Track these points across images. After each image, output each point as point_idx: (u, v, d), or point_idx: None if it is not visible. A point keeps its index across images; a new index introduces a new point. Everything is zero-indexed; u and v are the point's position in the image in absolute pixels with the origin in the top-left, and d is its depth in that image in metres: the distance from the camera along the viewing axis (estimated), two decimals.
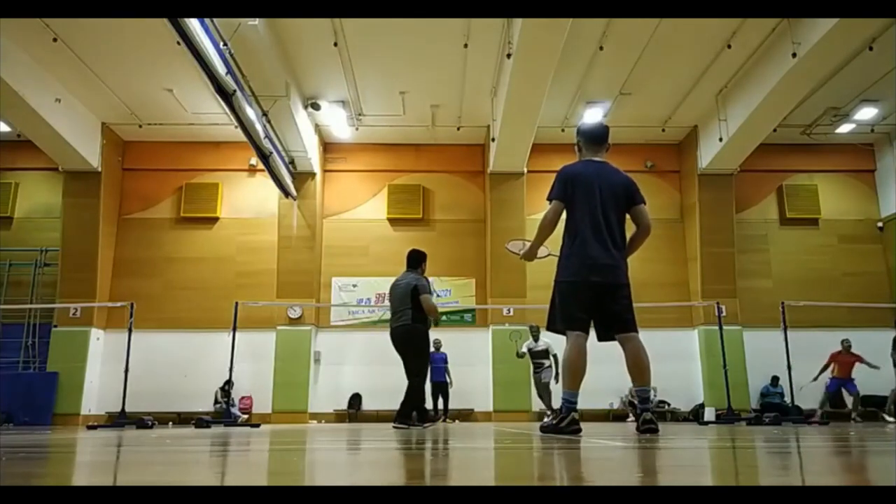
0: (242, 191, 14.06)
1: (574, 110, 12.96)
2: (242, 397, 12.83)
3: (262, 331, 12.81)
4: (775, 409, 11.31)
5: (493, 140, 12.69)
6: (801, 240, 14.16)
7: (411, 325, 6.58)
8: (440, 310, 7.93)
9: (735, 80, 11.72)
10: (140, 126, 13.32)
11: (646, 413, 3.90)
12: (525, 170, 13.38)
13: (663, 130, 13.76)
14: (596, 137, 4.29)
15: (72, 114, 12.01)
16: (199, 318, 13.12)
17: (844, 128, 13.56)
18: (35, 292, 13.29)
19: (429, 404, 9.56)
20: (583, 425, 4.36)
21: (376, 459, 2.28)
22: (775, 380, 12.69)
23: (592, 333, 4.12)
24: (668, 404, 12.86)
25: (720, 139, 12.40)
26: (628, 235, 4.21)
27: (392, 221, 14.01)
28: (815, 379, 11.30)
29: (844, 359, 11.64)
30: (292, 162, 12.92)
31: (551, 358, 11.12)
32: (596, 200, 4.02)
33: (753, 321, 12.89)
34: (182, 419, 12.19)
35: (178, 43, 8.31)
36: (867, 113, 12.91)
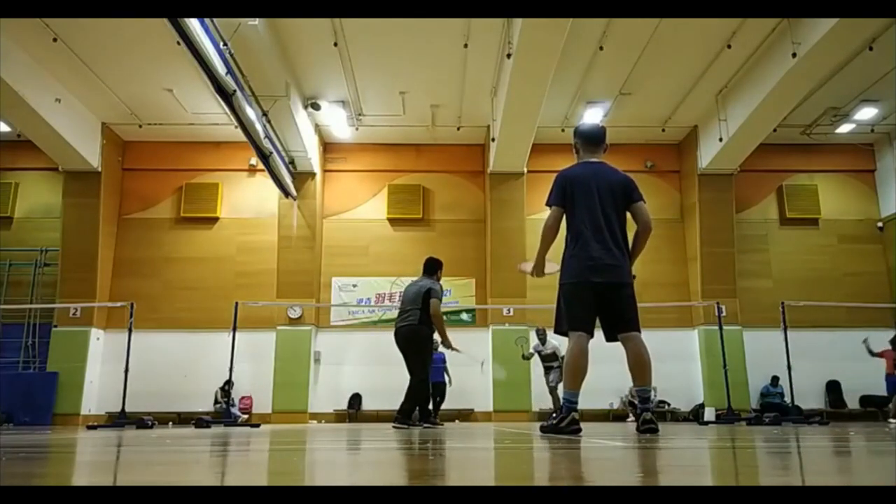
0: (242, 191, 14.06)
1: (574, 110, 12.96)
2: (242, 397, 12.84)
3: (262, 331, 12.82)
4: (775, 409, 11.31)
5: (493, 140, 12.69)
6: (801, 240, 14.16)
7: (416, 325, 6.66)
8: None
9: (735, 80, 11.72)
10: (140, 126, 13.32)
11: (646, 413, 3.92)
12: (525, 170, 13.38)
13: (663, 130, 13.76)
14: (593, 138, 4.30)
15: (72, 114, 12.01)
16: (198, 318, 13.13)
17: (844, 128, 13.56)
18: (35, 292, 13.29)
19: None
20: (583, 425, 4.36)
21: (376, 459, 2.28)
22: (775, 380, 12.70)
23: (598, 335, 4.11)
24: (668, 404, 12.86)
25: (720, 139, 12.40)
26: (630, 234, 4.21)
27: (392, 221, 14.01)
28: (871, 352, 11.01)
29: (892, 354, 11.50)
30: (292, 162, 12.92)
31: (560, 360, 11.11)
32: (595, 201, 4.03)
33: (753, 321, 12.89)
34: (182, 419, 12.19)
35: (178, 43, 8.31)
36: (867, 113, 12.92)
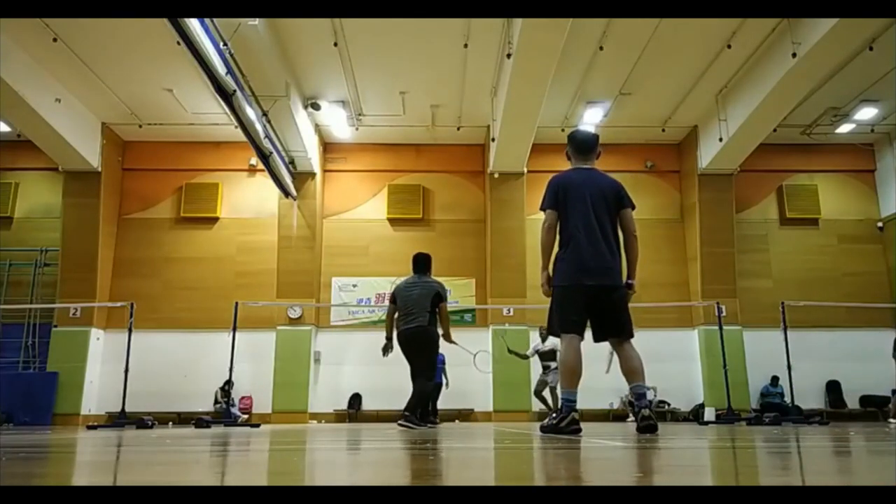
0: (242, 191, 14.06)
1: (574, 110, 12.96)
2: (242, 397, 12.84)
3: (262, 331, 12.82)
4: (775, 409, 11.31)
5: (493, 140, 12.69)
6: (801, 240, 14.15)
7: (426, 326, 6.65)
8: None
9: (735, 80, 11.72)
10: (140, 126, 13.32)
11: (644, 410, 3.95)
12: (525, 170, 13.38)
13: (663, 130, 13.76)
14: (584, 145, 4.39)
15: (72, 114, 12.01)
16: (198, 318, 13.13)
17: (844, 128, 13.55)
18: (35, 292, 13.29)
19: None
20: (583, 425, 4.40)
21: (376, 459, 2.28)
22: (775, 380, 12.70)
23: (589, 335, 4.17)
24: (668, 404, 12.86)
25: (720, 139, 12.40)
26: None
27: (392, 221, 14.01)
28: None
29: None
30: (292, 162, 12.92)
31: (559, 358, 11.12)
32: (587, 205, 4.11)
33: (753, 321, 12.89)
34: (182, 419, 12.18)
35: (178, 43, 8.31)
36: (867, 113, 12.91)
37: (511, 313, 12.98)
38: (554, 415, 4.24)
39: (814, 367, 12.51)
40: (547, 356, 11.31)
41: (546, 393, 11.39)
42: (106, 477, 1.64)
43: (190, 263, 13.65)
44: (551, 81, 10.16)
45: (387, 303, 7.50)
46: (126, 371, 9.06)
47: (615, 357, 4.23)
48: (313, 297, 13.11)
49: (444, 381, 11.72)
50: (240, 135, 10.72)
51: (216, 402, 12.37)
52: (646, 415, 3.90)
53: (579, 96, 12.45)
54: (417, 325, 6.64)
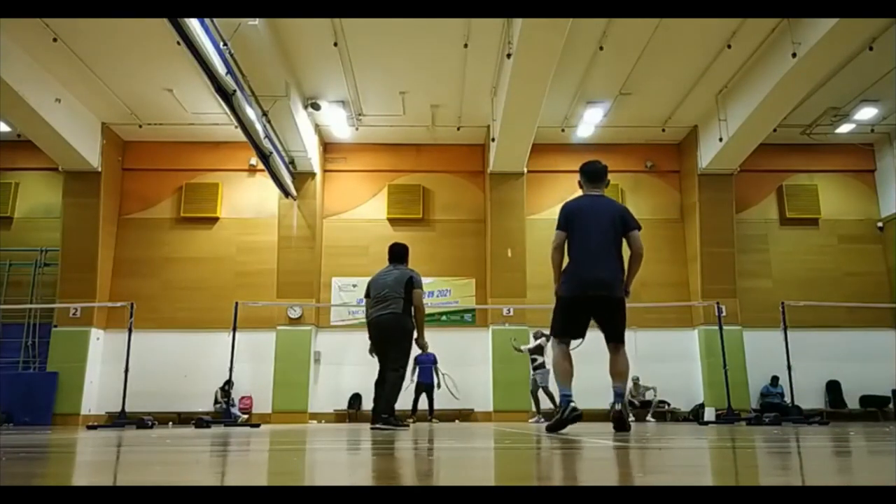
0: (242, 191, 14.06)
1: (574, 110, 12.96)
2: (242, 397, 12.84)
3: (262, 331, 12.82)
4: (775, 409, 11.31)
5: (493, 140, 12.69)
6: (801, 240, 14.15)
7: (401, 314, 6.19)
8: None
9: (735, 80, 11.72)
10: (140, 126, 13.32)
11: (617, 405, 4.55)
12: (525, 170, 13.38)
13: (663, 130, 13.76)
14: (593, 175, 4.91)
15: (72, 114, 12.01)
16: (198, 318, 13.13)
17: (844, 128, 13.55)
18: (35, 292, 13.29)
19: (404, 404, 9.44)
20: (583, 425, 4.52)
21: (376, 460, 2.28)
22: (775, 380, 12.70)
23: (599, 337, 4.69)
24: (668, 404, 12.86)
25: (720, 139, 12.40)
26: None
27: (392, 221, 14.01)
28: None
29: None
30: (292, 162, 12.92)
31: (545, 356, 11.26)
32: (589, 228, 4.61)
33: (753, 321, 12.89)
34: (182, 419, 12.19)
35: (178, 43, 8.31)
36: (867, 113, 12.91)
37: (511, 313, 12.98)
38: (538, 416, 4.69)
39: (814, 367, 12.50)
40: (534, 350, 11.55)
41: (540, 394, 11.49)
42: (106, 477, 1.64)
43: (190, 263, 13.65)
44: (551, 81, 10.16)
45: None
46: (126, 371, 9.06)
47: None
48: (313, 297, 13.11)
49: (435, 380, 11.66)
50: (240, 135, 10.72)
51: (216, 402, 12.37)
52: (617, 409, 4.54)
53: (579, 96, 12.44)
54: (391, 312, 6.18)
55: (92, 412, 12.44)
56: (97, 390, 12.67)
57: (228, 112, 9.87)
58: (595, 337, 4.79)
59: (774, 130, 12.30)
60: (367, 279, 6.85)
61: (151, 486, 1.40)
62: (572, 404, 4.46)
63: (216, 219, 13.90)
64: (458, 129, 13.65)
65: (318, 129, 13.57)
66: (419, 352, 8.16)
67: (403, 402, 10.80)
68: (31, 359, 12.98)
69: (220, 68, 8.64)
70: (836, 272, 13.94)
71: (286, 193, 12.95)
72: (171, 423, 11.84)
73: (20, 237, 13.62)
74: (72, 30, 10.17)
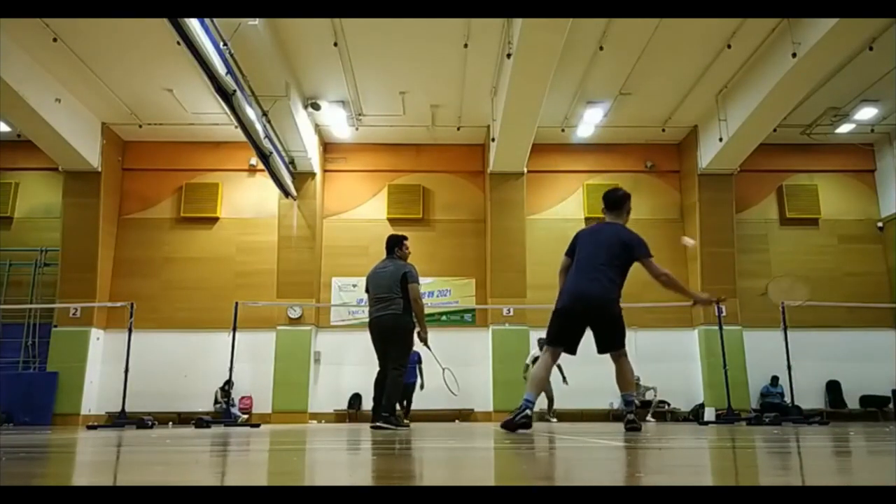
0: (242, 191, 14.06)
1: (574, 110, 12.95)
2: (242, 397, 12.84)
3: (262, 331, 12.82)
4: (775, 409, 11.32)
5: (493, 140, 12.69)
6: (801, 240, 14.15)
7: (401, 314, 6.13)
8: (429, 310, 7.62)
9: (735, 80, 11.72)
10: (140, 126, 13.32)
11: (629, 414, 4.83)
12: (525, 170, 13.38)
13: (663, 130, 13.76)
14: (610, 203, 5.17)
15: (72, 114, 12.01)
16: (198, 318, 13.12)
17: (844, 128, 13.55)
18: (35, 292, 13.29)
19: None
20: (583, 425, 4.57)
21: (376, 460, 2.28)
22: (775, 380, 12.70)
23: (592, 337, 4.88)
24: (668, 404, 12.86)
25: (720, 139, 12.40)
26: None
27: (392, 221, 14.00)
28: None
29: None
30: (292, 162, 12.92)
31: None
32: (590, 250, 4.91)
33: (753, 321, 12.88)
34: (182, 419, 12.18)
35: (178, 43, 8.31)
36: (867, 113, 12.90)
37: (511, 313, 12.97)
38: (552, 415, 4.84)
39: (814, 367, 12.49)
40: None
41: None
42: (106, 477, 1.64)
43: (190, 263, 13.65)
44: (551, 81, 10.16)
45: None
46: (126, 371, 9.06)
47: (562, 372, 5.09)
48: (313, 297, 13.11)
49: (418, 380, 11.44)
50: (240, 135, 10.72)
51: (216, 402, 12.36)
52: (630, 419, 4.79)
53: (579, 96, 12.44)
54: (392, 312, 6.13)
55: (92, 412, 12.44)
56: (97, 390, 12.67)
57: (228, 112, 9.87)
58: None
59: (774, 130, 12.29)
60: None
61: (151, 486, 1.40)
62: (528, 412, 4.65)
63: (216, 219, 13.90)
64: (458, 129, 13.64)
65: (318, 129, 13.57)
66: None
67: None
68: (31, 359, 12.98)
69: (220, 68, 8.63)
70: (836, 272, 13.93)
71: (286, 193, 12.95)
72: (171, 423, 11.84)
73: (20, 237, 13.62)
74: (72, 30, 10.17)
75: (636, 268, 4.90)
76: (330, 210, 14.04)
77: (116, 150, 13.71)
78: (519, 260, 13.14)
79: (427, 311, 13.12)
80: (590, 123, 13.32)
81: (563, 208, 13.97)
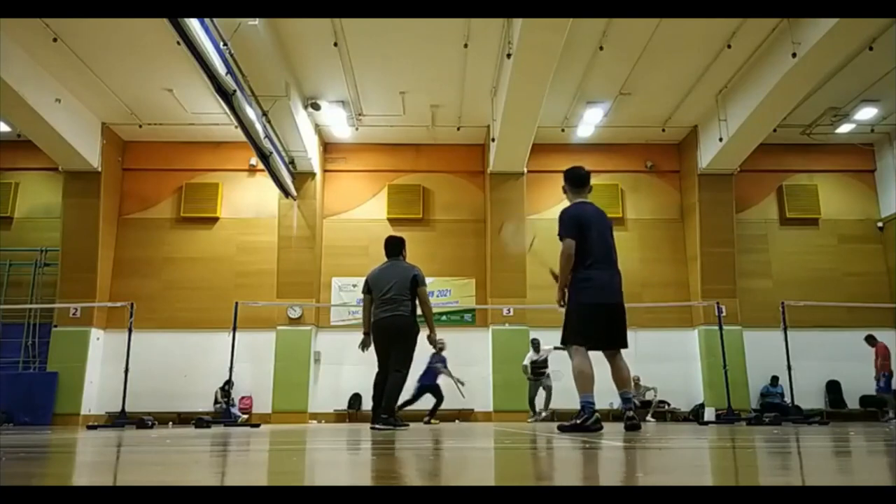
0: (242, 191, 14.06)
1: (574, 110, 12.95)
2: (242, 397, 12.83)
3: (262, 331, 12.82)
4: (775, 409, 11.31)
5: (493, 140, 12.69)
6: (801, 240, 14.15)
7: (409, 317, 6.14)
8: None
9: (735, 80, 11.72)
10: (140, 126, 13.32)
11: (629, 412, 4.69)
12: (525, 170, 13.38)
13: (663, 130, 13.76)
14: (578, 180, 5.05)
15: (72, 114, 12.01)
16: (198, 318, 13.12)
17: (844, 128, 13.55)
18: (35, 292, 13.28)
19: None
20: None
21: (376, 460, 2.28)
22: (775, 380, 12.69)
23: None
24: (668, 404, 12.86)
25: (720, 139, 12.40)
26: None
27: (392, 221, 14.00)
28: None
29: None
30: (292, 162, 12.92)
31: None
32: (598, 233, 4.76)
33: (753, 321, 12.88)
34: (182, 419, 12.18)
35: (178, 43, 8.31)
36: (867, 113, 12.90)
37: (511, 313, 12.98)
38: (536, 416, 4.73)
39: (814, 367, 12.48)
40: (541, 365, 11.58)
41: (538, 398, 11.57)
42: (106, 477, 1.64)
43: (190, 263, 13.64)
44: (551, 81, 10.15)
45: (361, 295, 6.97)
46: (126, 371, 9.06)
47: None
48: (313, 298, 13.11)
49: (454, 380, 11.39)
50: (240, 135, 10.72)
51: (216, 402, 12.36)
52: (630, 416, 4.64)
53: (579, 96, 12.44)
54: (401, 314, 6.10)
55: (92, 412, 12.43)
56: (97, 390, 12.67)
57: (228, 112, 9.87)
58: None
59: (774, 130, 12.29)
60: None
61: (151, 486, 1.39)
62: (597, 415, 4.57)
63: (216, 219, 13.90)
64: (458, 129, 13.64)
65: (318, 129, 13.57)
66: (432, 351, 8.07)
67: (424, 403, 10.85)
68: (31, 359, 12.98)
69: (220, 68, 8.63)
70: (836, 272, 13.93)
71: (286, 193, 12.95)
72: (171, 423, 11.84)
73: (20, 237, 13.62)
74: (72, 30, 10.17)
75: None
76: (330, 210, 14.04)
77: (116, 150, 13.71)
78: (519, 260, 13.15)
79: None
80: (590, 123, 13.32)
81: (562, 208, 13.93)
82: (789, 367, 8.46)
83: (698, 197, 13.49)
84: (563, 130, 13.60)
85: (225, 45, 8.79)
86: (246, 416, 12.29)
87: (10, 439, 4.35)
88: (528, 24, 8.79)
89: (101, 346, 12.93)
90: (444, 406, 12.06)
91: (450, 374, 11.25)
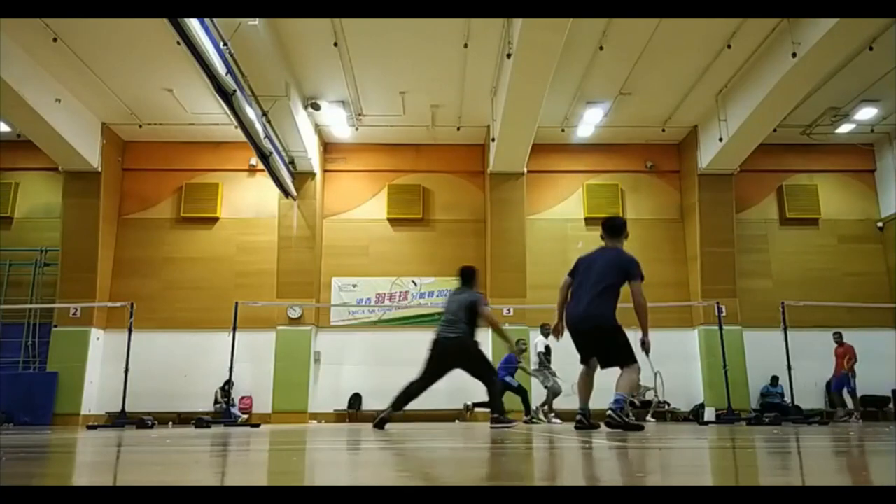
0: (242, 191, 14.06)
1: (574, 110, 12.95)
2: (242, 397, 12.83)
3: (262, 331, 12.81)
4: (775, 409, 11.31)
5: (493, 140, 12.69)
6: (801, 240, 14.15)
7: (464, 337, 6.60)
8: (428, 310, 7.91)
9: (735, 80, 11.72)
10: (140, 126, 13.32)
11: (609, 411, 4.95)
12: (525, 170, 13.38)
13: (663, 130, 13.76)
14: (610, 230, 5.48)
15: (72, 114, 12.00)
16: (198, 318, 13.12)
17: (844, 128, 13.54)
18: (35, 292, 13.28)
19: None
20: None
21: (376, 460, 2.28)
22: (775, 380, 12.69)
23: None
24: (668, 404, 12.85)
25: (720, 139, 12.40)
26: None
27: (392, 221, 14.00)
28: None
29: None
30: (292, 162, 12.92)
31: (544, 360, 11.21)
32: (590, 273, 5.24)
33: (753, 321, 12.88)
34: (182, 419, 12.18)
35: (178, 43, 8.31)
36: (867, 113, 12.90)
37: (511, 313, 12.97)
38: (578, 417, 5.28)
39: (814, 367, 12.48)
40: (549, 353, 11.22)
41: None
42: (106, 477, 1.64)
43: (190, 263, 13.64)
44: (551, 81, 10.15)
45: (387, 302, 7.49)
46: (126, 371, 9.07)
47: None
48: (313, 297, 13.11)
49: (514, 382, 11.15)
50: (240, 135, 10.72)
51: (216, 402, 12.36)
52: (608, 415, 4.94)
53: (579, 96, 12.44)
54: (456, 335, 6.59)
55: (92, 412, 12.43)
56: (97, 390, 12.67)
57: (228, 112, 9.86)
58: None
59: (774, 130, 12.29)
60: (367, 279, 7.10)
61: (151, 486, 1.40)
62: (579, 417, 5.26)
63: (216, 219, 13.90)
64: (458, 129, 13.64)
65: (318, 129, 13.57)
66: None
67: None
68: (31, 359, 12.98)
69: (220, 68, 8.63)
70: (836, 272, 13.93)
71: (286, 193, 12.95)
72: (171, 423, 11.84)
73: (20, 237, 13.62)
74: (72, 30, 10.17)
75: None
76: (330, 210, 14.04)
77: (116, 150, 13.71)
78: (519, 260, 13.14)
79: (426, 311, 13.21)
80: (590, 123, 13.32)
81: (563, 208, 13.96)
82: (789, 367, 8.46)
83: (698, 197, 13.49)
84: (563, 130, 13.60)
85: (225, 45, 8.79)
86: (246, 416, 12.29)
87: (10, 439, 4.35)
88: (528, 24, 8.79)
89: (101, 346, 12.93)
90: (445, 405, 12.06)
91: (525, 370, 11.12)
